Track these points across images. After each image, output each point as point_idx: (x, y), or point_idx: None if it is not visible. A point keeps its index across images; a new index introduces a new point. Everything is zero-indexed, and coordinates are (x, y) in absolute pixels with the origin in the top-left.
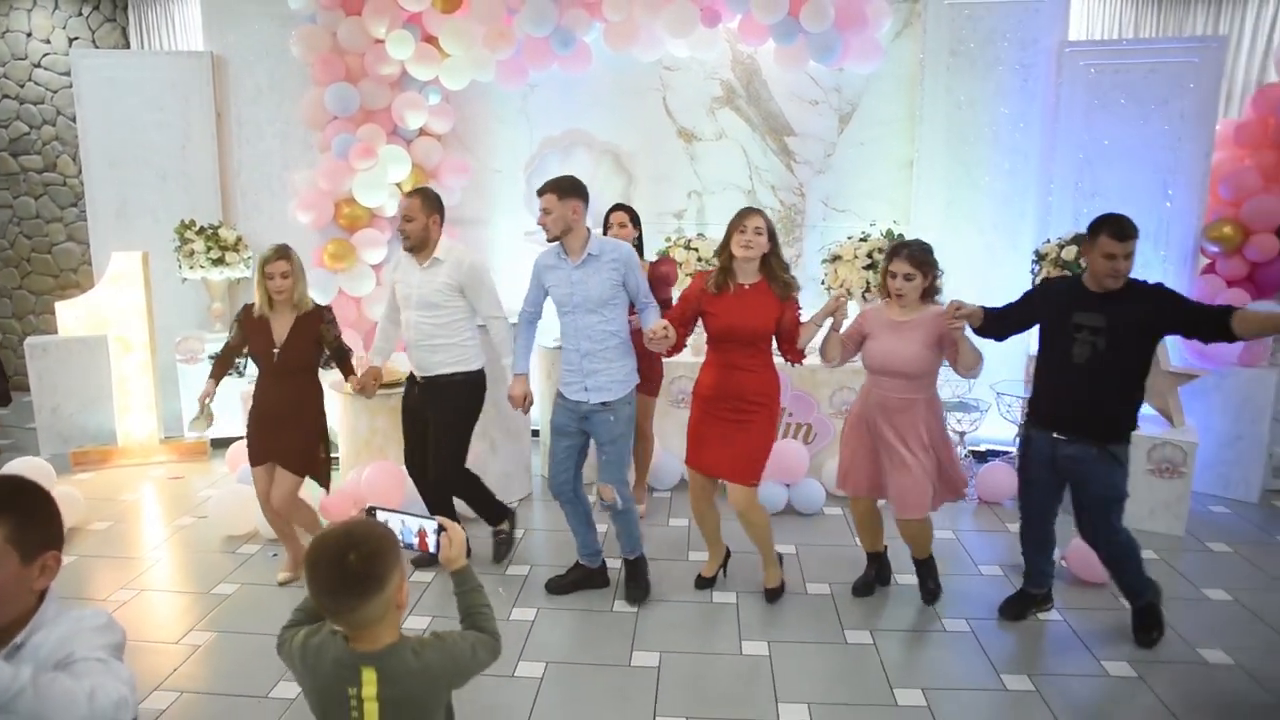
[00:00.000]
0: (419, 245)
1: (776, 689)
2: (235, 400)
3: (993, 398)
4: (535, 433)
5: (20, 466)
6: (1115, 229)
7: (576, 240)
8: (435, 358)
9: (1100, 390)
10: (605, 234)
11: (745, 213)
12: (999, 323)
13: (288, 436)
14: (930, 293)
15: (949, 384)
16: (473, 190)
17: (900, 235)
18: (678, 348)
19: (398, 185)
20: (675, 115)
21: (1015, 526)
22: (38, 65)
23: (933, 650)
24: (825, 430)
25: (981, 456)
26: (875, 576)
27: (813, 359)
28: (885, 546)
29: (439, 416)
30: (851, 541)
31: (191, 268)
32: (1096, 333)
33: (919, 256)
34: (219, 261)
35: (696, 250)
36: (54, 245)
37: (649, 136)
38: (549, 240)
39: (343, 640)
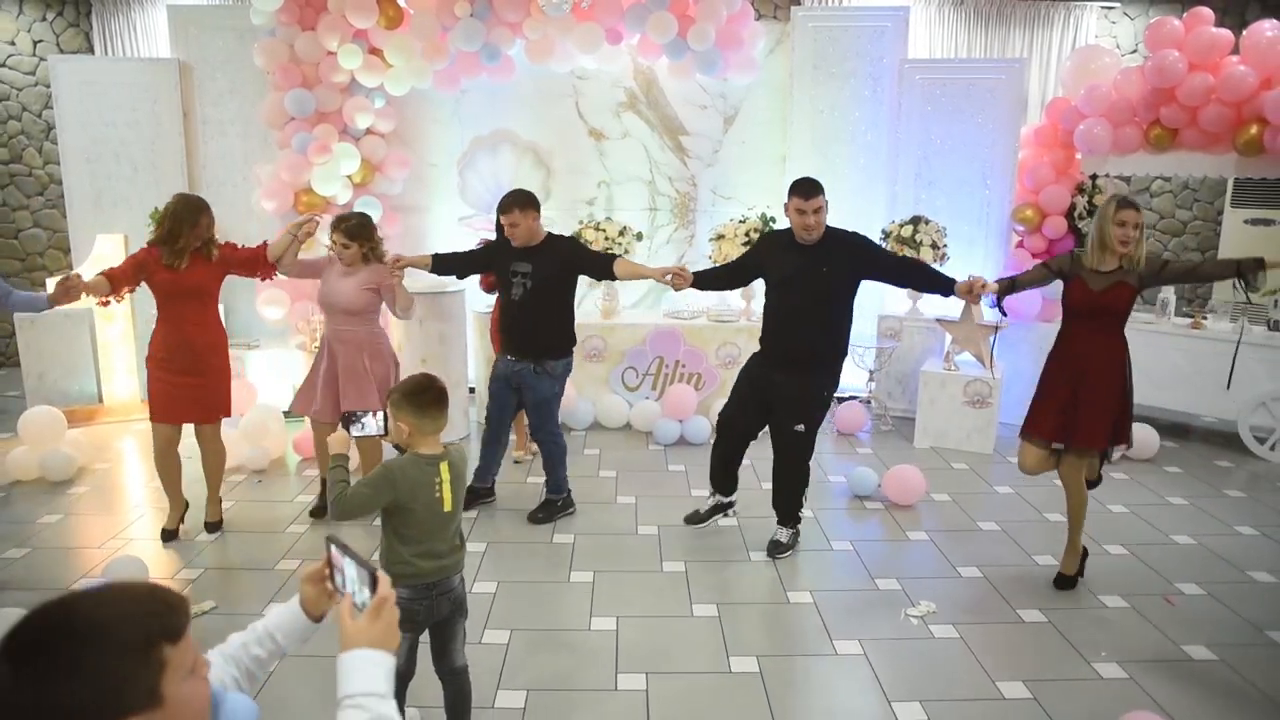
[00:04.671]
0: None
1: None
2: None
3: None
4: (472, 389)
5: (35, 415)
6: (502, 207)
7: None
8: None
9: (531, 319)
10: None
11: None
12: (459, 267)
13: None
14: (371, 256)
15: None
16: (413, 182)
17: (773, 219)
18: (114, 298)
19: (348, 177)
20: (586, 117)
21: (864, 450)
22: (3, 65)
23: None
24: (712, 378)
25: (840, 400)
26: None
27: (698, 320)
28: None
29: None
30: None
31: None
32: (526, 276)
33: (350, 232)
34: None
35: (604, 231)
36: (20, 231)
37: (564, 135)
38: None
39: (414, 457)
